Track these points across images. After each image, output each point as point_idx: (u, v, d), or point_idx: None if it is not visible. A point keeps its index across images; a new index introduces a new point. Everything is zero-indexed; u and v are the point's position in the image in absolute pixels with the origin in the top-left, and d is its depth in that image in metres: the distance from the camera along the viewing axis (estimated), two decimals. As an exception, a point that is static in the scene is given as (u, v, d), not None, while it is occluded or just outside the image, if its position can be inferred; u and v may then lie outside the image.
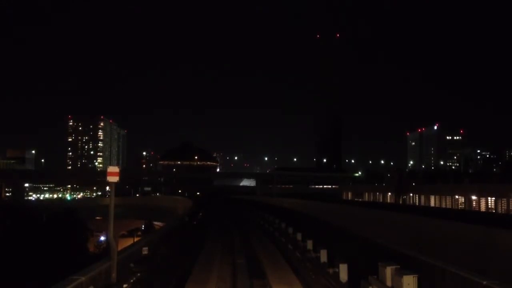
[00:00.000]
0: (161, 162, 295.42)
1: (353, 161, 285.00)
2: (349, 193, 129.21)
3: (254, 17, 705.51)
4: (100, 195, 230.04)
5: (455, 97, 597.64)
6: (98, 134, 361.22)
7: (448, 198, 74.78)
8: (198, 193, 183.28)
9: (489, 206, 65.12)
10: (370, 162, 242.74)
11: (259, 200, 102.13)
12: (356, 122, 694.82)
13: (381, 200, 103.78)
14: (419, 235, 25.91)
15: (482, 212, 62.42)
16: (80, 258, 42.23)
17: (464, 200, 70.54)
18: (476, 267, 14.62)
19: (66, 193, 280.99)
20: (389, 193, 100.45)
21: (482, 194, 66.67)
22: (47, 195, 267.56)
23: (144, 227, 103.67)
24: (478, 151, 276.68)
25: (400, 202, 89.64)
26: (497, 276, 10.02)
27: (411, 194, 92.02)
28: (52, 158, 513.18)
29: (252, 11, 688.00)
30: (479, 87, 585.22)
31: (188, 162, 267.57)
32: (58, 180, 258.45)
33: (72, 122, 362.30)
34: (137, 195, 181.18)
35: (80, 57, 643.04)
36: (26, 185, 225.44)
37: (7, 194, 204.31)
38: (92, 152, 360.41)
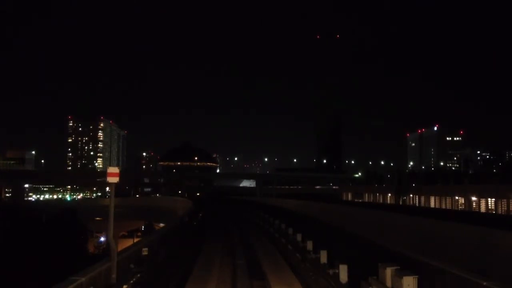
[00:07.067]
0: (161, 163, 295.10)
1: (353, 162, 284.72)
2: (349, 194, 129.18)
3: (254, 17, 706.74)
4: (100, 195, 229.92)
5: (455, 98, 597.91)
6: (98, 135, 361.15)
7: (448, 199, 74.80)
8: (198, 194, 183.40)
9: (489, 207, 65.12)
10: (370, 163, 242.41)
11: (259, 201, 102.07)
12: (356, 123, 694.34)
13: (381, 201, 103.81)
14: (419, 236, 25.90)
15: (482, 212, 62.42)
16: (80, 259, 42.26)
17: (464, 201, 70.56)
18: (476, 268, 14.61)
19: (66, 194, 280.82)
20: (389, 194, 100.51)
21: (482, 195, 66.72)
22: (47, 196, 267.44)
23: (144, 228, 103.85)
24: (478, 152, 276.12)
25: (400, 203, 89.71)
26: (498, 277, 10.02)
27: (411, 195, 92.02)
28: (52, 158, 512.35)
29: (250, 11, 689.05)
30: (479, 87, 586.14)
31: (188, 163, 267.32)
32: (58, 181, 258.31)
33: (72, 122, 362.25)
34: (137, 195, 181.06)
35: (80, 58, 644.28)
36: (26, 185, 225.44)
37: (7, 194, 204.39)
38: (92, 153, 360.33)
